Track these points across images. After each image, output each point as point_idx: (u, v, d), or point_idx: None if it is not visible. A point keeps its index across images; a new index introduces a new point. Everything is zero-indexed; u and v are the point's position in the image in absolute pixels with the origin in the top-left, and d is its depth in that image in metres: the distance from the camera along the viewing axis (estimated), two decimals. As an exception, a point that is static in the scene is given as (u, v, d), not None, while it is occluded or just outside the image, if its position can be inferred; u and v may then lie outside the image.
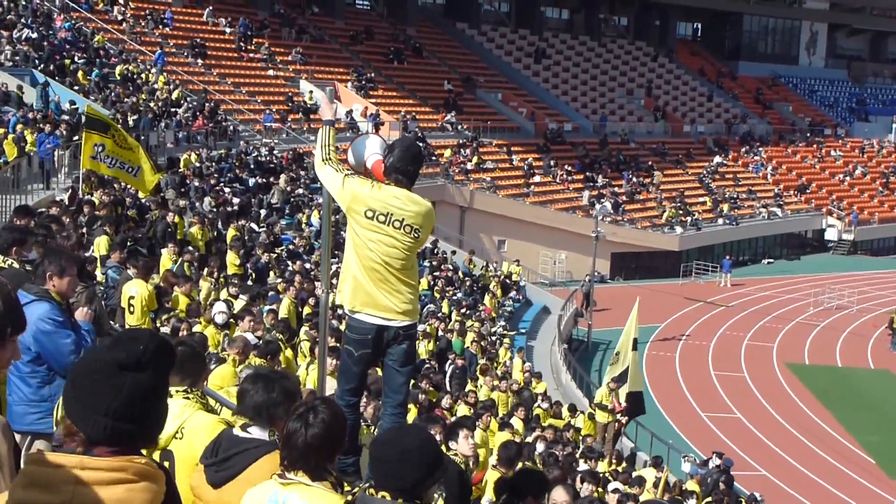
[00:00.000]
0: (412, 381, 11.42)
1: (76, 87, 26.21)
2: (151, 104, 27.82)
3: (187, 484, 3.67)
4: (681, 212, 48.00)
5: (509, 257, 37.99)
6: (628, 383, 19.78)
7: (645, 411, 21.05)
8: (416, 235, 4.92)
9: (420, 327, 18.30)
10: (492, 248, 40.58)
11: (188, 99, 31.05)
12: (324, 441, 3.09)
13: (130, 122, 24.13)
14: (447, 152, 41.94)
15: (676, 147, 55.40)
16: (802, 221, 54.77)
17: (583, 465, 12.92)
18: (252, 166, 27.87)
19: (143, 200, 18.20)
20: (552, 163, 47.01)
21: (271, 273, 18.31)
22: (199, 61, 36.84)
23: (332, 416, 3.15)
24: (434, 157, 40.29)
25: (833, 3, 71.21)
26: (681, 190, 50.42)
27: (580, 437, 17.49)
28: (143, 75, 30.77)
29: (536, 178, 44.95)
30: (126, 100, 26.87)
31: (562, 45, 59.15)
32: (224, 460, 3.61)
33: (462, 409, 13.26)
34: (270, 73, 39.81)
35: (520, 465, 8.26)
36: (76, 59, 28.49)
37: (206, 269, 14.76)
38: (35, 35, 27.92)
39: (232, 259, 16.98)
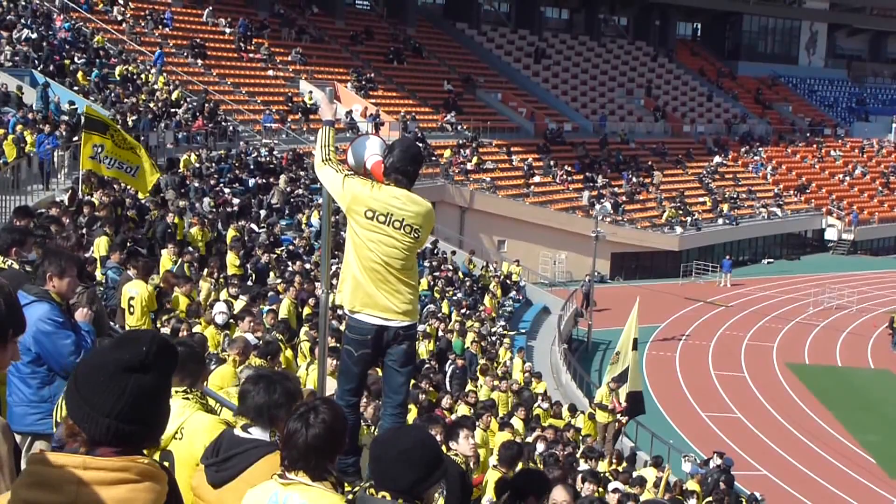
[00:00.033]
0: (412, 382, 11.42)
1: (76, 88, 26.21)
2: (151, 105, 27.82)
3: (186, 484, 3.67)
4: (681, 212, 48.00)
5: (509, 257, 37.99)
6: (628, 383, 19.80)
7: (645, 411, 21.06)
8: (416, 236, 4.92)
9: (420, 327, 18.31)
10: (492, 249, 40.58)
11: (188, 99, 31.05)
12: (324, 441, 3.09)
13: (130, 123, 24.12)
14: (447, 153, 41.94)
15: (676, 147, 55.40)
16: (802, 221, 54.78)
17: (583, 465, 12.92)
18: (252, 167, 27.88)
19: (143, 201, 18.20)
20: (552, 163, 47.01)
21: (271, 273, 18.30)
22: (199, 62, 36.84)
23: (333, 416, 3.15)
24: (434, 158, 40.29)
25: (833, 3, 71.21)
26: (681, 190, 50.43)
27: (580, 437, 17.49)
28: (142, 76, 30.76)
29: (536, 179, 44.95)
30: (126, 100, 26.87)
31: (562, 45, 59.15)
32: (224, 460, 3.61)
33: (462, 410, 13.25)
34: (270, 73, 39.82)
35: (520, 465, 8.26)
36: (76, 59, 28.50)
37: (205, 270, 14.77)
38: (35, 35, 27.92)
39: (232, 259, 16.98)
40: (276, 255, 19.78)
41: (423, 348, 18.73)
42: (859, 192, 58.33)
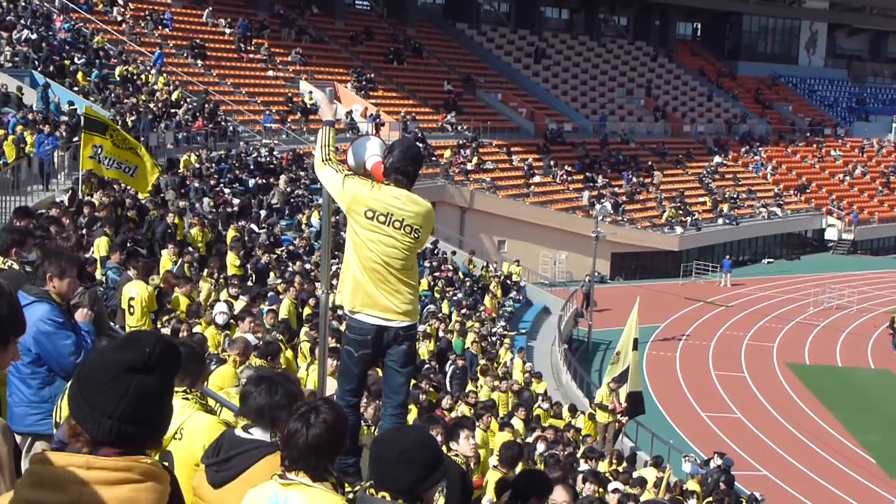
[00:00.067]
0: (412, 382, 11.42)
1: (76, 88, 26.21)
2: (151, 105, 27.83)
3: (186, 484, 3.67)
4: (681, 212, 48.00)
5: (509, 258, 37.99)
6: (628, 383, 19.80)
7: (644, 411, 21.06)
8: (416, 236, 4.92)
9: (420, 328, 18.31)
10: (492, 249, 40.58)
11: (188, 100, 31.06)
12: (325, 441, 3.09)
13: (130, 123, 24.13)
14: (447, 153, 41.94)
15: (676, 147, 55.41)
16: (802, 221, 54.78)
17: (583, 466, 12.92)
18: (252, 167, 27.88)
19: (143, 201, 18.20)
20: (552, 163, 47.01)
21: (271, 274, 18.30)
22: (199, 62, 36.85)
23: (334, 416, 3.15)
24: (434, 158, 40.29)
25: (833, 3, 71.23)
26: (681, 190, 50.44)
27: (581, 438, 17.49)
28: (142, 76, 30.77)
29: (536, 179, 44.95)
30: (126, 101, 26.87)
31: (562, 45, 59.15)
32: (225, 461, 3.61)
33: (462, 410, 13.25)
34: (270, 73, 39.82)
35: (520, 465, 8.26)
36: (76, 60, 28.50)
37: (206, 270, 14.77)
38: (35, 36, 27.93)
39: (232, 260, 16.98)
40: (276, 256, 19.78)
41: (424, 348, 18.72)
42: (859, 192, 58.33)
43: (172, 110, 28.98)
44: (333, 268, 13.71)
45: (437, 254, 30.12)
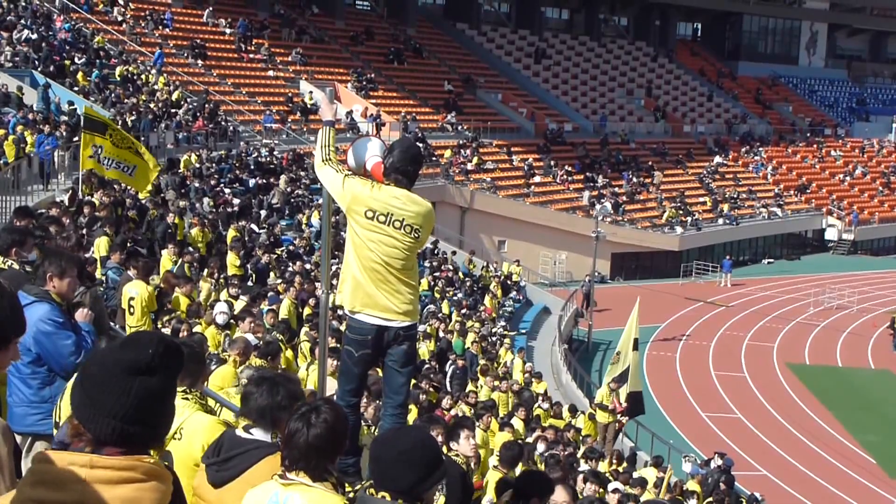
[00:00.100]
0: (412, 382, 11.42)
1: (76, 89, 26.22)
2: (151, 105, 27.83)
3: (185, 484, 3.67)
4: (681, 212, 48.00)
5: (509, 258, 37.99)
6: (628, 383, 19.79)
7: (644, 411, 21.06)
8: (416, 236, 4.92)
9: (420, 328, 18.30)
10: (492, 249, 40.58)
11: (188, 100, 31.06)
12: (326, 441, 3.09)
13: (130, 123, 24.13)
14: (447, 153, 41.94)
15: (676, 147, 55.41)
16: (802, 221, 54.78)
17: (584, 466, 12.92)
18: (252, 167, 27.89)
19: (144, 201, 18.21)
20: (552, 163, 47.01)
21: (271, 274, 18.30)
22: (199, 62, 36.85)
23: (335, 416, 3.15)
24: (434, 158, 40.29)
25: (833, 3, 71.22)
26: (681, 190, 50.43)
27: (581, 438, 17.49)
28: (143, 76, 30.77)
29: (536, 179, 44.95)
30: (126, 101, 26.88)
31: (562, 45, 59.15)
32: (225, 460, 3.61)
33: (462, 410, 13.24)
34: (270, 73, 39.82)
35: (521, 466, 8.26)
36: (76, 60, 28.51)
37: (206, 270, 14.77)
38: (35, 36, 27.93)
39: (232, 260, 16.98)
40: (276, 256, 19.78)
41: (424, 348, 18.72)
42: (859, 192, 58.33)
43: (173, 110, 28.99)
44: (333, 268, 13.71)
45: (437, 254, 30.12)
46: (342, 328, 9.35)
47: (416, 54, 49.59)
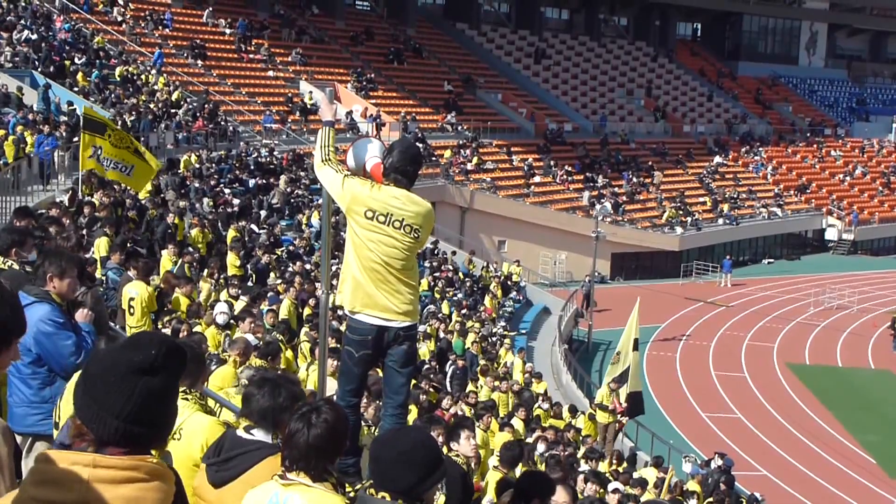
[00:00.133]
0: (412, 382, 11.42)
1: (76, 89, 26.22)
2: (151, 105, 27.83)
3: (185, 484, 3.67)
4: (681, 212, 48.00)
5: (509, 258, 37.99)
6: (628, 383, 19.80)
7: (644, 411, 21.06)
8: (415, 236, 4.92)
9: (420, 328, 18.30)
10: (492, 249, 40.58)
11: (188, 100, 31.06)
12: (326, 441, 3.09)
13: (130, 124, 24.13)
14: (447, 153, 41.94)
15: (676, 147, 55.41)
16: (802, 221, 54.78)
17: (584, 466, 12.92)
18: (252, 167, 27.89)
19: (143, 201, 18.20)
20: (552, 163, 47.01)
21: (271, 274, 18.30)
22: (199, 62, 36.85)
23: (336, 416, 3.15)
24: (434, 158, 40.29)
25: (833, 3, 71.23)
26: (681, 190, 50.44)
27: (581, 438, 17.49)
28: (142, 76, 30.78)
29: (536, 179, 44.95)
30: (126, 101, 26.88)
31: (562, 45, 59.16)
32: (226, 461, 3.61)
33: (463, 410, 13.24)
34: (270, 73, 39.82)
35: (521, 466, 8.26)
36: (76, 60, 28.51)
37: (206, 271, 14.76)
38: (35, 36, 27.94)
39: (232, 260, 16.98)
40: (276, 256, 19.78)
41: (424, 349, 18.72)
42: (859, 192, 58.33)
43: (172, 110, 29.00)
44: (333, 268, 13.71)
45: (437, 254, 30.12)
46: (342, 328, 9.35)
47: (415, 54, 49.60)
